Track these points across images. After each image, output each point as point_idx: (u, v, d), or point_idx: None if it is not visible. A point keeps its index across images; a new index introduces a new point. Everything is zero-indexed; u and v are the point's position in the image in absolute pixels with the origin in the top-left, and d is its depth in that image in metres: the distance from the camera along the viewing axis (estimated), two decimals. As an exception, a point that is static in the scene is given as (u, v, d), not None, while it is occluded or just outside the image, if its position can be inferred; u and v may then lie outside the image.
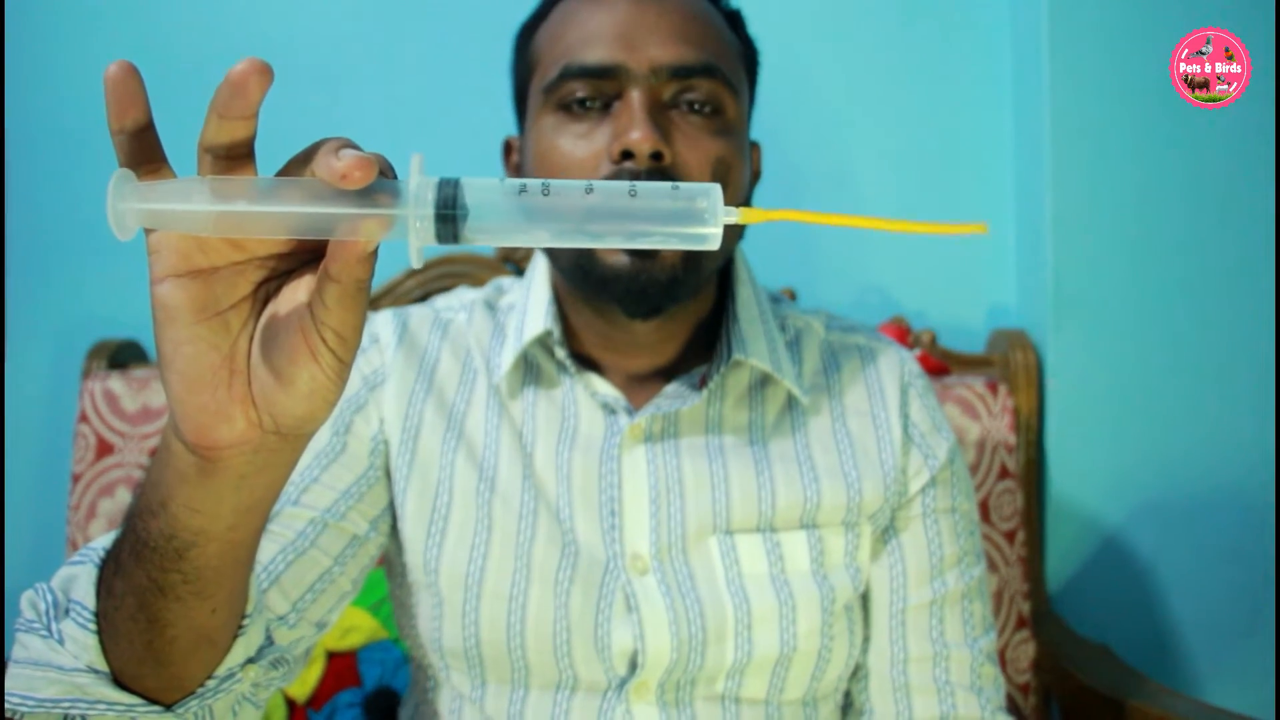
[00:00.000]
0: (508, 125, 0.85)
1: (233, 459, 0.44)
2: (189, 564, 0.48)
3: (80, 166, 1.43)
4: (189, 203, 0.40)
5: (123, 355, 1.35)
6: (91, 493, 1.26)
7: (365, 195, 0.40)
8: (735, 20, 0.79)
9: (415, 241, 0.41)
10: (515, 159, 0.80)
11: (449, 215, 0.41)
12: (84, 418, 1.27)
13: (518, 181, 0.42)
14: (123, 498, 1.25)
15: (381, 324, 0.82)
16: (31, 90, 1.42)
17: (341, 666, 1.16)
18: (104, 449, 1.26)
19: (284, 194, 0.41)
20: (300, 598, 0.70)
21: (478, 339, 0.82)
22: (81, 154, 1.43)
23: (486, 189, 0.41)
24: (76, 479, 1.26)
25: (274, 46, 1.43)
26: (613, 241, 0.42)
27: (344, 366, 0.43)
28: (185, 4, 1.42)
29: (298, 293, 0.43)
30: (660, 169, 0.68)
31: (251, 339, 0.44)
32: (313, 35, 1.43)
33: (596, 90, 0.71)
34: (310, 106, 1.43)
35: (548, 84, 0.72)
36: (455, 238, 0.41)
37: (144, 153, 0.43)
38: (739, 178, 0.74)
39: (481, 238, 0.41)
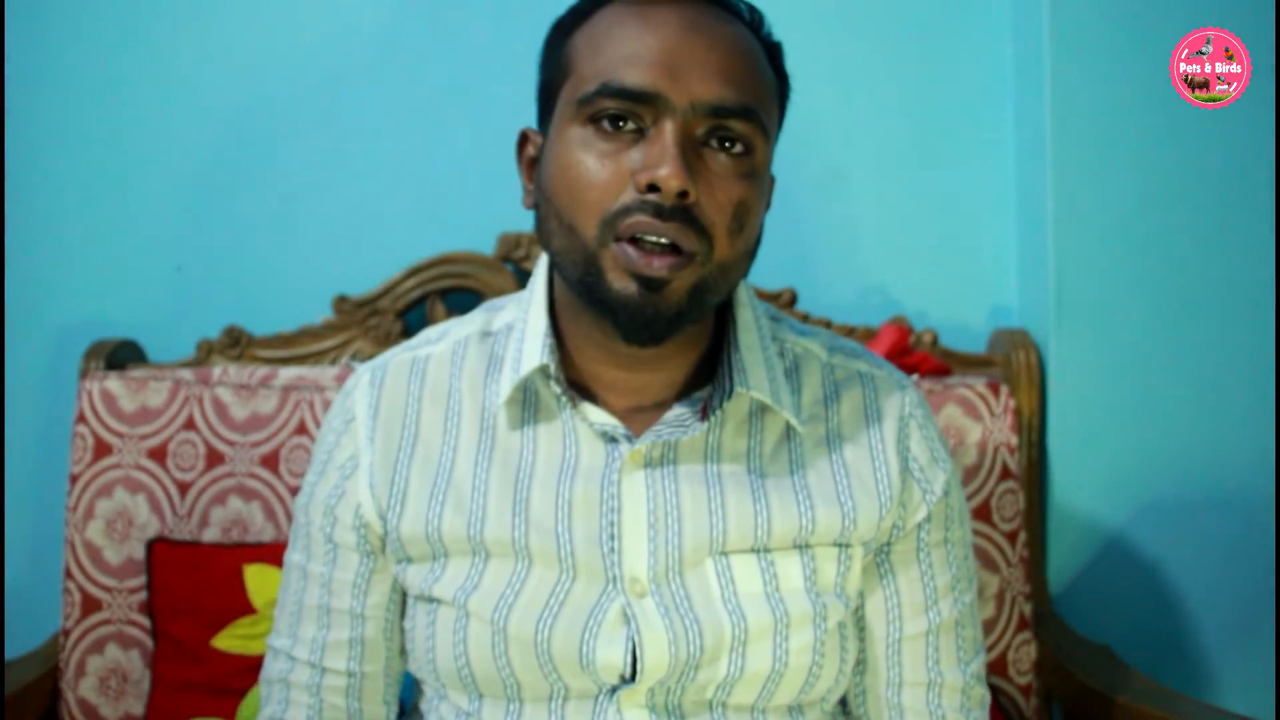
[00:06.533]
0: (523, 117, 0.83)
1: None
2: None
3: (79, 166, 1.42)
4: None
5: (120, 355, 1.35)
6: (90, 493, 1.25)
7: None
8: (774, 53, 0.78)
9: None
10: (531, 152, 0.79)
11: None
12: (82, 418, 1.27)
13: None
14: (120, 498, 1.24)
15: (359, 396, 0.83)
16: (31, 90, 1.41)
17: (341, 668, 1.16)
18: (102, 449, 1.25)
19: None
20: (382, 696, 0.84)
21: (470, 374, 0.82)
22: (81, 154, 1.42)
23: None
24: (74, 479, 1.26)
25: (278, 44, 1.42)
26: None
27: None
28: (189, 4, 1.42)
29: None
30: (683, 207, 0.68)
31: None
32: (315, 33, 1.42)
33: (631, 113, 0.70)
34: (313, 106, 1.42)
35: (583, 96, 0.70)
36: None
37: None
38: (755, 221, 0.74)
39: None
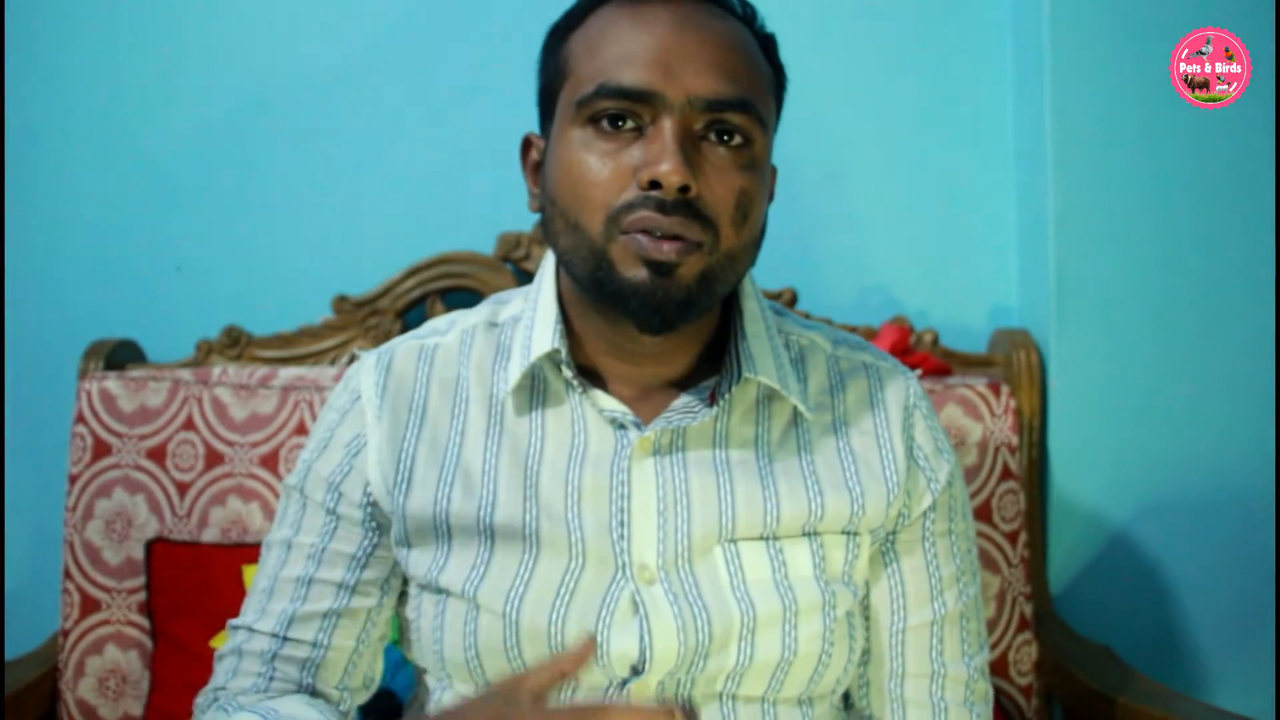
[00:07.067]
0: (523, 116, 0.83)
1: None
2: None
3: (80, 166, 1.42)
4: None
5: (119, 355, 1.35)
6: (89, 493, 1.25)
7: None
8: (769, 46, 0.79)
9: None
10: (535, 157, 0.80)
11: None
12: (81, 418, 1.26)
13: None
14: (119, 499, 1.24)
15: (364, 376, 0.83)
16: (31, 89, 1.41)
17: (341, 668, 1.15)
18: (101, 449, 1.25)
19: None
20: (339, 683, 0.81)
21: (478, 363, 0.82)
22: (80, 153, 1.42)
23: None
24: (73, 479, 1.25)
25: (278, 45, 1.42)
26: None
27: None
28: (190, 3, 1.42)
29: None
30: (685, 201, 0.69)
31: None
32: (315, 34, 1.42)
33: (630, 112, 0.71)
34: (313, 106, 1.42)
35: (582, 98, 0.72)
36: None
37: None
38: (759, 211, 0.75)
39: None
